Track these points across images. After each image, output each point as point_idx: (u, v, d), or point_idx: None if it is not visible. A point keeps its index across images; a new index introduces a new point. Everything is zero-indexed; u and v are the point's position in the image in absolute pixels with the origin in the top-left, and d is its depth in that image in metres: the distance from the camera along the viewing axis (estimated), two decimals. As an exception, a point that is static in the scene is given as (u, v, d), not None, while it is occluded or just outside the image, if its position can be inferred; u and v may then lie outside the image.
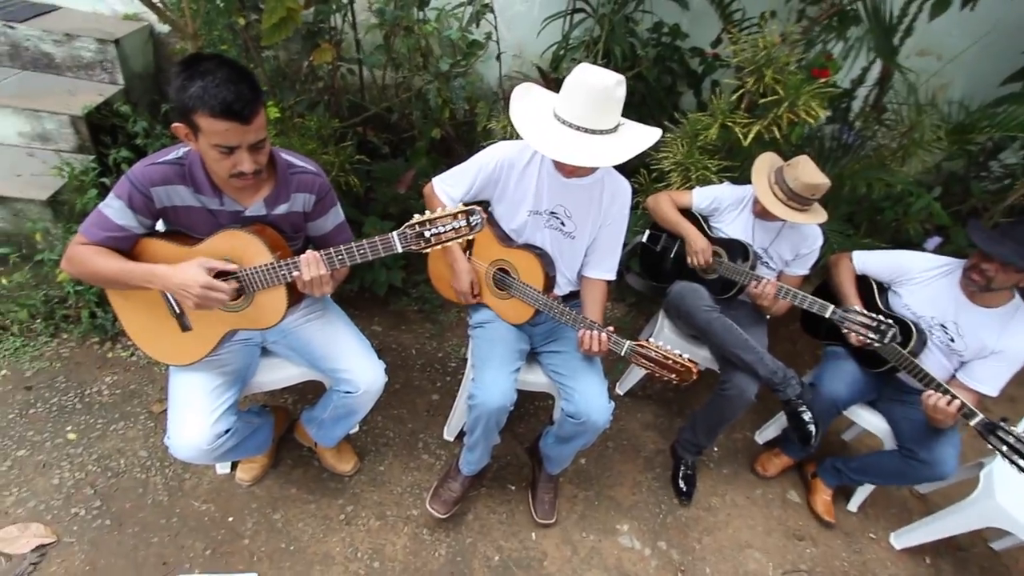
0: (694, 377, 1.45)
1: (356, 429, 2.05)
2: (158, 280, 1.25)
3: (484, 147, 1.64)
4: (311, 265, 1.25)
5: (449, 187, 1.65)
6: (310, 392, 2.12)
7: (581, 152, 1.34)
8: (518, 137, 1.49)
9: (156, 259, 1.31)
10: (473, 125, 2.54)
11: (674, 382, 1.47)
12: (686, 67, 2.65)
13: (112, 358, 2.14)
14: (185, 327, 1.40)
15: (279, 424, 1.88)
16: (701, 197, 2.03)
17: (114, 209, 1.26)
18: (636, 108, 2.60)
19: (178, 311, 1.38)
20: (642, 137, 1.39)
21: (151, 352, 1.43)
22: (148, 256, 1.32)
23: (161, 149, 1.32)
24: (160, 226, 1.39)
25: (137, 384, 2.07)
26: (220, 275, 1.28)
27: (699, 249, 1.95)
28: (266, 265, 1.28)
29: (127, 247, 1.31)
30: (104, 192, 2.08)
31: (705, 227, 2.04)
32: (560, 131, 1.37)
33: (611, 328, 1.54)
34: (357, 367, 1.53)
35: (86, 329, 2.15)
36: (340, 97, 2.38)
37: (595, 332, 1.52)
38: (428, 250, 1.20)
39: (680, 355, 1.45)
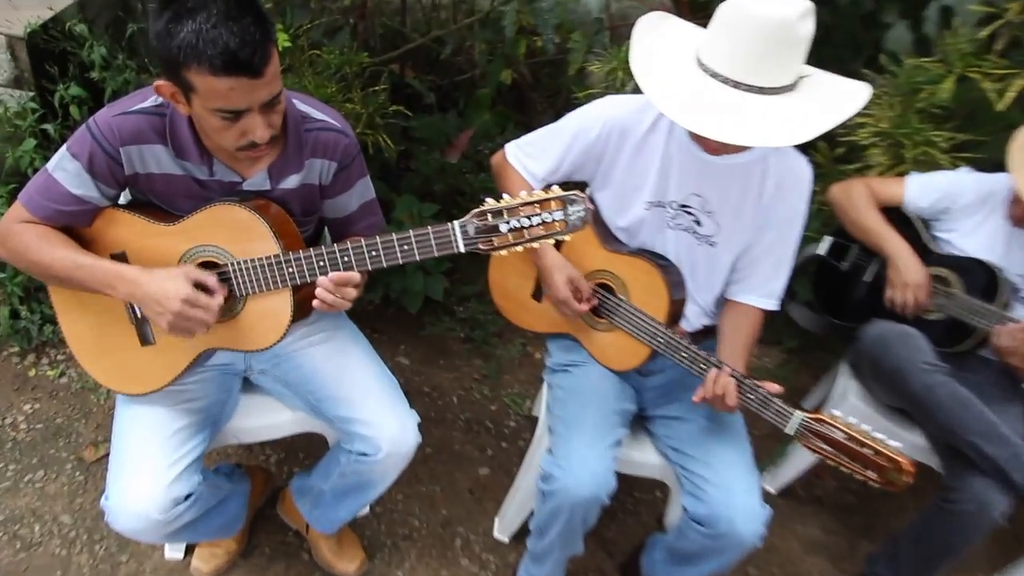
0: (908, 480, 1.38)
1: (367, 511, 2.07)
2: (125, 286, 1.32)
3: (578, 102, 1.65)
4: (334, 289, 1.29)
5: (529, 159, 1.68)
6: (302, 449, 2.17)
7: (739, 123, 1.31)
8: (635, 89, 1.48)
9: (121, 241, 1.39)
10: (562, 66, 2.56)
11: (873, 484, 1.41)
12: (899, -15, 2.61)
13: (35, 378, 2.28)
14: (146, 339, 1.46)
15: (256, 493, 1.93)
16: (921, 189, 1.99)
17: (68, 173, 1.33)
18: (816, 48, 2.52)
19: (139, 315, 1.45)
20: (840, 99, 1.35)
21: (94, 372, 1.50)
22: (111, 235, 1.40)
23: (124, 86, 1.39)
24: (123, 197, 1.48)
25: (66, 418, 2.18)
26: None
27: (910, 282, 1.89)
28: (268, 258, 1.32)
29: (85, 223, 1.39)
30: (46, 144, 2.24)
31: (925, 237, 1.98)
32: (705, 87, 1.35)
33: (771, 389, 1.47)
34: (379, 418, 1.55)
35: (3, 333, 2.30)
36: (371, 21, 2.46)
37: (724, 375, 1.48)
38: (503, 251, 1.21)
39: (885, 441, 1.40)
